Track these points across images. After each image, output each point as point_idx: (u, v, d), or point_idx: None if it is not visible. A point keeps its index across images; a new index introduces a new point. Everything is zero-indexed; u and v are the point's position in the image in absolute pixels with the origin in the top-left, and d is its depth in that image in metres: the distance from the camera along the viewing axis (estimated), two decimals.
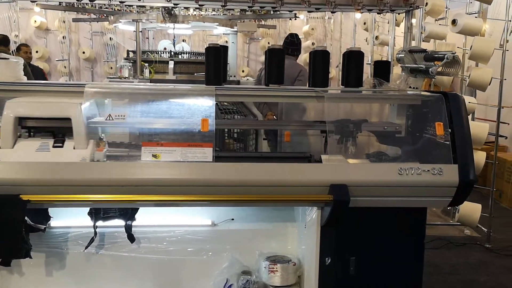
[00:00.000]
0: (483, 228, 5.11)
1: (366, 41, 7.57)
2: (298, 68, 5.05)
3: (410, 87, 2.97)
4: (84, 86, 2.62)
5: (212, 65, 2.91)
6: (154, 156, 2.51)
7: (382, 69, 3.09)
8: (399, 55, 2.97)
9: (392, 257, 2.72)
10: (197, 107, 2.62)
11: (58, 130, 2.60)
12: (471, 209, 4.84)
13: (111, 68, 8.98)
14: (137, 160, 2.51)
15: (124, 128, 2.77)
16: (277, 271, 2.83)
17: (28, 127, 2.62)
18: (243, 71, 9.40)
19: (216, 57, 2.92)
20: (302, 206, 2.75)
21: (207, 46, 2.95)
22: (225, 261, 2.99)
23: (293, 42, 5.16)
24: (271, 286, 2.84)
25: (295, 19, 7.27)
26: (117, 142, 2.76)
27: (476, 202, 5.00)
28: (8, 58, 3.00)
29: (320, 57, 2.95)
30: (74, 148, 2.51)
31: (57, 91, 2.75)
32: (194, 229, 3.05)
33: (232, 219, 3.08)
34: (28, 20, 8.71)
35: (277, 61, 2.96)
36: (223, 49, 3.03)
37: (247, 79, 7.55)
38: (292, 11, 5.28)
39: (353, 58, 2.96)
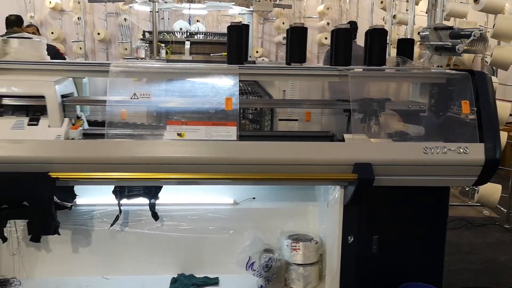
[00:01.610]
0: (503, 209, 5.09)
1: (383, 20, 7.45)
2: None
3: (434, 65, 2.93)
4: (108, 65, 2.63)
5: (234, 44, 2.90)
6: (179, 134, 2.52)
7: (405, 47, 3.05)
8: (424, 33, 2.92)
9: (415, 236, 2.72)
10: (221, 86, 2.61)
11: (33, 108, 2.63)
12: (491, 189, 4.81)
13: (126, 49, 8.97)
14: (163, 139, 2.52)
15: (143, 107, 2.78)
16: (299, 249, 2.86)
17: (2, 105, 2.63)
18: (257, 51, 9.33)
19: (238, 35, 2.90)
20: (326, 184, 2.76)
21: (230, 24, 2.94)
22: (246, 239, 3.03)
23: (355, 28, 6.10)
24: (293, 263, 2.87)
25: None
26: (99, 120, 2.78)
27: (494, 183, 4.97)
28: (31, 38, 3.01)
29: (342, 36, 2.91)
30: (49, 126, 2.53)
31: (81, 70, 2.78)
32: (216, 207, 3.08)
33: (254, 198, 3.11)
34: (43, 1, 8.70)
35: (298, 40, 2.94)
36: (245, 28, 3.01)
37: (263, 59, 7.50)
38: None
39: (376, 36, 2.93)
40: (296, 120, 3.36)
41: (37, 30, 6.98)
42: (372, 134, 2.77)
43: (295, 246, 2.87)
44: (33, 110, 2.62)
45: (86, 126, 2.88)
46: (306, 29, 2.94)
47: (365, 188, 2.48)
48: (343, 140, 2.69)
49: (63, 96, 2.63)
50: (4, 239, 2.54)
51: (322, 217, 2.99)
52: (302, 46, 2.90)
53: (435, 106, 2.91)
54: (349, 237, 2.69)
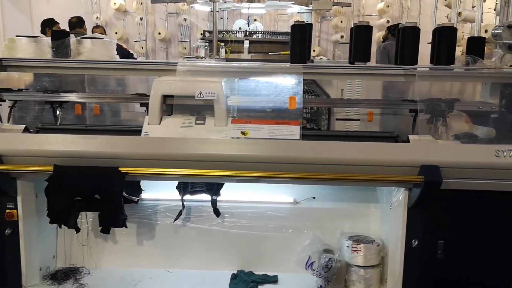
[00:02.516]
0: None
1: (447, 17, 7.20)
2: None
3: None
4: (175, 64, 2.71)
5: (297, 43, 2.91)
6: (243, 133, 2.56)
7: (475, 46, 2.93)
8: (496, 31, 2.81)
9: (483, 242, 2.62)
10: (285, 85, 2.63)
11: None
12: None
13: (185, 48, 9.18)
14: (228, 137, 2.57)
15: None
16: (360, 250, 2.82)
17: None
18: (314, 50, 9.28)
19: (301, 35, 2.91)
20: (390, 186, 2.70)
21: (293, 23, 2.95)
22: (306, 239, 3.02)
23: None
24: (354, 265, 2.83)
25: None
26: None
27: None
28: (103, 38, 3.16)
29: (409, 34, 2.85)
30: (215, 125, 2.62)
31: (153, 69, 2.88)
32: (276, 206, 3.09)
33: (314, 198, 3.10)
34: (108, 3, 9.06)
35: (363, 39, 2.90)
36: (308, 27, 3.01)
37: (320, 58, 7.45)
38: None
39: (444, 35, 2.84)
40: (358, 120, 3.33)
41: (104, 31, 7.28)
42: (438, 135, 2.69)
43: (356, 248, 2.83)
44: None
45: None
46: (371, 27, 2.91)
47: (431, 191, 2.41)
48: (408, 141, 2.63)
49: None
50: (78, 230, 2.68)
51: (384, 219, 2.93)
52: (366, 45, 2.87)
53: (506, 107, 2.78)
54: (413, 240, 2.62)
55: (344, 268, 2.84)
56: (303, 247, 2.95)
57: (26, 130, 2.79)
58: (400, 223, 2.64)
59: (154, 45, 9.51)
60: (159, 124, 2.66)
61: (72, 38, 3.07)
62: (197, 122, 2.65)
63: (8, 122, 2.98)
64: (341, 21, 8.79)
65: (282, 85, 2.65)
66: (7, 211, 2.70)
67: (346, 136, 2.86)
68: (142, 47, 9.09)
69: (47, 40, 3.09)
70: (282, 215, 3.08)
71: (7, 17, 8.28)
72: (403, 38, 2.86)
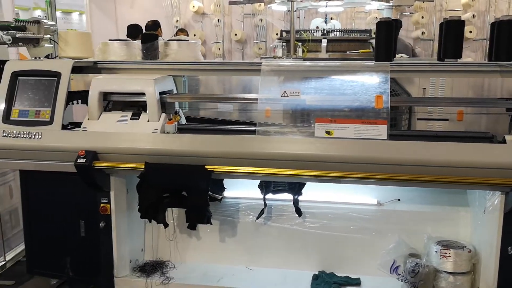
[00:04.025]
0: None
1: None
2: None
3: None
4: (259, 64, 2.73)
5: (383, 40, 2.82)
6: (327, 132, 2.53)
7: None
8: None
9: None
10: (371, 84, 2.56)
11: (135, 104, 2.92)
12: None
13: (260, 48, 9.24)
14: (312, 136, 2.55)
15: (291, 105, 2.82)
16: (450, 256, 2.69)
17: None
18: None
19: (387, 32, 2.82)
20: (485, 189, 2.55)
21: (378, 20, 2.87)
22: (390, 242, 2.93)
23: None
24: (443, 271, 2.70)
25: None
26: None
27: None
28: (188, 40, 3.25)
29: (505, 29, 2.67)
30: (148, 121, 2.77)
31: (235, 69, 2.93)
32: (358, 207, 3.03)
33: (399, 200, 3.00)
34: (187, 6, 9.33)
35: (454, 34, 2.76)
36: (395, 24, 2.91)
37: (401, 56, 7.20)
38: None
39: None
40: (447, 120, 3.18)
41: (187, 33, 7.52)
42: None
43: (445, 253, 2.70)
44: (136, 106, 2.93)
45: (183, 121, 3.13)
46: (463, 22, 2.76)
47: None
48: (504, 142, 2.47)
49: (162, 93, 2.87)
50: (166, 225, 2.79)
51: (477, 224, 2.78)
52: (458, 41, 2.73)
53: None
54: (510, 247, 2.46)
55: (432, 274, 2.72)
56: (388, 250, 2.87)
57: None
58: (495, 229, 2.49)
59: (230, 46, 9.66)
60: (98, 119, 2.83)
61: (160, 41, 3.19)
62: (132, 117, 2.80)
63: None
64: (422, 17, 8.44)
65: (368, 84, 2.58)
66: (102, 205, 2.86)
67: (435, 136, 2.74)
68: (219, 48, 9.27)
69: (137, 43, 3.24)
70: (365, 216, 3.01)
71: (94, 21, 8.78)
72: (499, 32, 2.68)
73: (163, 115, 2.81)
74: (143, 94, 2.80)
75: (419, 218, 2.97)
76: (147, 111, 2.81)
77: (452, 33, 2.73)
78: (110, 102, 2.95)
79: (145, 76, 2.90)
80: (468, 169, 2.35)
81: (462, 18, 2.75)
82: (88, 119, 2.86)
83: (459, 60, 2.79)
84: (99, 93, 2.86)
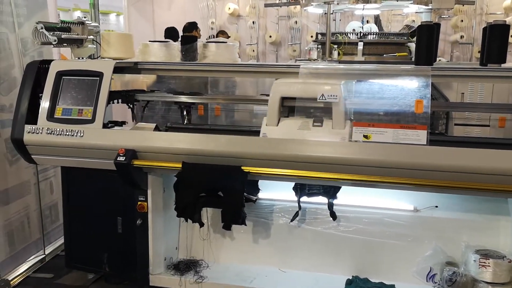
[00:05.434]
0: None
1: None
2: None
3: None
4: (297, 67, 2.74)
5: (424, 44, 2.77)
6: (365, 136, 2.51)
7: None
8: None
9: None
10: (411, 88, 2.53)
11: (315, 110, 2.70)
12: None
13: (294, 50, 9.24)
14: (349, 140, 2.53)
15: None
16: (489, 266, 2.62)
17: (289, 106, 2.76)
18: None
19: (429, 35, 2.77)
20: None
21: (419, 24, 2.82)
22: (426, 249, 2.88)
23: None
24: (481, 281, 2.64)
25: None
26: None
27: None
28: (226, 42, 3.28)
29: None
30: (332, 128, 2.59)
31: (272, 71, 2.94)
32: (394, 213, 2.99)
33: (436, 207, 2.95)
34: (223, 8, 9.42)
35: (499, 38, 2.69)
36: (436, 28, 2.86)
37: (439, 59, 7.07)
38: None
39: None
40: (488, 126, 3.12)
41: (227, 35, 7.60)
42: None
43: (484, 263, 2.64)
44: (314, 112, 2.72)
45: None
46: (508, 26, 2.69)
47: None
48: None
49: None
50: (202, 224, 2.82)
51: None
52: (503, 46, 2.66)
53: None
54: None
55: (470, 284, 2.66)
56: (424, 257, 2.83)
57: (157, 128, 2.99)
58: None
59: (265, 47, 9.69)
60: (277, 125, 2.69)
61: (199, 43, 3.23)
62: (315, 124, 2.63)
63: (141, 120, 3.22)
64: (461, 20, 8.25)
65: (408, 88, 2.55)
66: (139, 203, 2.92)
67: (476, 142, 2.68)
68: (253, 50, 9.31)
69: (176, 44, 3.29)
70: (401, 222, 2.97)
71: (132, 22, 8.95)
72: None
73: (348, 122, 2.59)
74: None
75: (457, 226, 2.90)
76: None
77: (496, 38, 2.66)
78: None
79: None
80: (509, 177, 2.29)
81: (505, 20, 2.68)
82: (266, 125, 2.70)
83: (503, 65, 2.72)
84: (280, 98, 2.69)
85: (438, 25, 2.96)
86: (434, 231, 2.92)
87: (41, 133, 2.84)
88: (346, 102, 2.61)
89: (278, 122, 2.69)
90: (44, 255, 3.73)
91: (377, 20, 7.33)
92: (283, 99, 2.71)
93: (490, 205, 2.85)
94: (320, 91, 2.59)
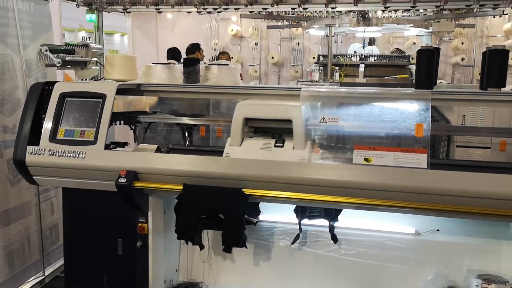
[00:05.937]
0: None
1: None
2: None
3: None
4: (298, 90, 2.76)
5: (424, 68, 2.80)
6: (366, 159, 2.51)
7: None
8: None
9: None
10: (411, 111, 2.54)
11: (276, 131, 2.75)
12: None
13: (297, 71, 9.32)
14: (348, 163, 2.53)
15: (337, 131, 2.79)
16: None
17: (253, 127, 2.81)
18: None
19: (429, 59, 2.80)
20: None
21: (420, 48, 2.85)
22: (428, 273, 2.87)
23: None
24: None
25: (500, 16, 6.61)
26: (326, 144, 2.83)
27: None
28: (228, 64, 3.32)
29: None
30: (293, 148, 2.62)
31: (273, 93, 2.96)
32: (396, 236, 2.98)
33: (438, 230, 2.93)
34: (225, 29, 9.53)
35: (498, 63, 2.72)
36: (436, 52, 2.89)
37: (440, 82, 7.11)
38: (497, 7, 4.80)
39: None
40: (489, 148, 3.11)
41: (229, 56, 7.68)
42: None
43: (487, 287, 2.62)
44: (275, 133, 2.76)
45: None
46: (507, 52, 2.71)
47: None
48: None
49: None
50: (202, 247, 2.80)
51: None
52: (502, 70, 2.68)
53: None
54: None
55: None
56: (426, 281, 2.82)
57: (158, 150, 3.00)
58: None
59: (267, 68, 9.77)
60: (240, 145, 2.71)
61: (202, 65, 3.27)
62: (276, 145, 2.66)
63: (143, 142, 3.23)
64: (462, 43, 8.34)
65: (408, 112, 2.56)
66: (140, 224, 2.91)
67: (477, 166, 2.68)
68: (256, 71, 9.40)
69: (179, 66, 3.33)
70: (403, 246, 2.95)
71: (136, 43, 9.06)
72: None
73: (309, 142, 2.65)
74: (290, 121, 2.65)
75: (459, 250, 2.89)
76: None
77: (496, 63, 2.69)
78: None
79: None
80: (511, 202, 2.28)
81: (504, 45, 2.71)
82: (230, 145, 2.74)
83: (502, 90, 2.73)
84: (243, 119, 2.72)
85: (438, 49, 2.99)
86: (436, 255, 2.90)
87: (43, 154, 2.85)
88: (307, 124, 2.63)
89: (242, 142, 2.71)
90: (43, 277, 3.71)
91: (372, 43, 7.40)
92: (247, 120, 2.74)
93: (492, 229, 2.84)
94: (279, 112, 2.64)
